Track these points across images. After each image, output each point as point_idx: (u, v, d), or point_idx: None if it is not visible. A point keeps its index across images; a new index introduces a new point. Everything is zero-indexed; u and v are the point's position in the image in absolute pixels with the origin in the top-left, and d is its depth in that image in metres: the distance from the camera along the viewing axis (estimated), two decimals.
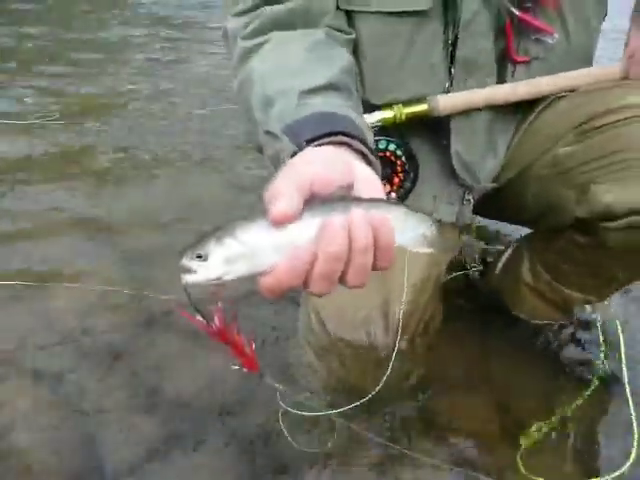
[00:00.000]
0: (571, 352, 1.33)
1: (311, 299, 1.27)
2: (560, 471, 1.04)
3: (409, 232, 0.72)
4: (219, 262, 0.62)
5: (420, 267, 1.23)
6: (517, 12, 1.05)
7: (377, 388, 1.10)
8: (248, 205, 1.82)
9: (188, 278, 0.62)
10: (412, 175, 1.16)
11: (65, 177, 2.05)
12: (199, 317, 0.72)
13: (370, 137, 0.79)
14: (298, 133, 0.72)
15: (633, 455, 1.00)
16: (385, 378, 1.10)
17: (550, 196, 1.16)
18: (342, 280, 0.62)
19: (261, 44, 0.95)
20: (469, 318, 1.38)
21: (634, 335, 1.35)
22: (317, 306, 1.25)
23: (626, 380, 1.12)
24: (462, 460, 1.03)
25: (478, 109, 1.12)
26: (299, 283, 0.60)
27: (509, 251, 1.43)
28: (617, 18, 1.42)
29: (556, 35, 1.09)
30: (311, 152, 0.67)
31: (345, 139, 0.69)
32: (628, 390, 1.10)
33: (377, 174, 0.69)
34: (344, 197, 0.65)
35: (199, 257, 0.61)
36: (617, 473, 0.98)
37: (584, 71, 1.14)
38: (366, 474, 1.01)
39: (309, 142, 0.69)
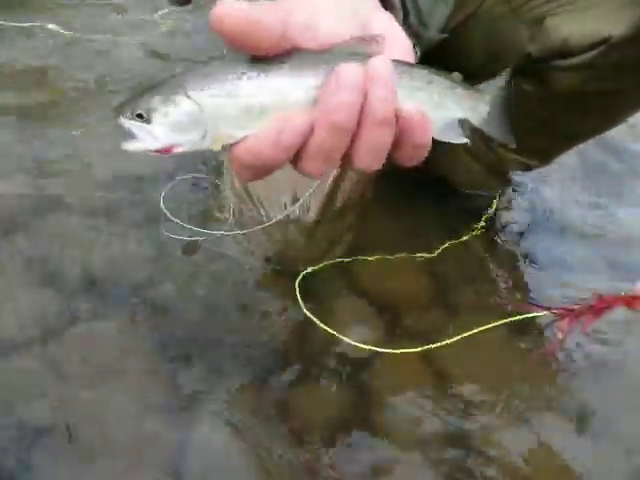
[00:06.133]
0: None
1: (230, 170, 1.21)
2: None
3: (444, 112, 0.53)
4: (166, 128, 0.46)
5: None
6: None
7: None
8: None
9: (126, 145, 0.47)
10: None
11: None
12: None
13: None
14: None
15: None
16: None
17: (501, 36, 1.05)
18: (346, 158, 0.46)
19: None
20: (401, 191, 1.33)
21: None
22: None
23: None
24: None
25: None
26: (285, 159, 0.45)
27: None
28: None
29: None
30: None
31: None
32: None
33: (400, 25, 0.54)
34: (356, 51, 0.47)
35: (139, 117, 0.46)
36: None
37: None
38: None
39: None
